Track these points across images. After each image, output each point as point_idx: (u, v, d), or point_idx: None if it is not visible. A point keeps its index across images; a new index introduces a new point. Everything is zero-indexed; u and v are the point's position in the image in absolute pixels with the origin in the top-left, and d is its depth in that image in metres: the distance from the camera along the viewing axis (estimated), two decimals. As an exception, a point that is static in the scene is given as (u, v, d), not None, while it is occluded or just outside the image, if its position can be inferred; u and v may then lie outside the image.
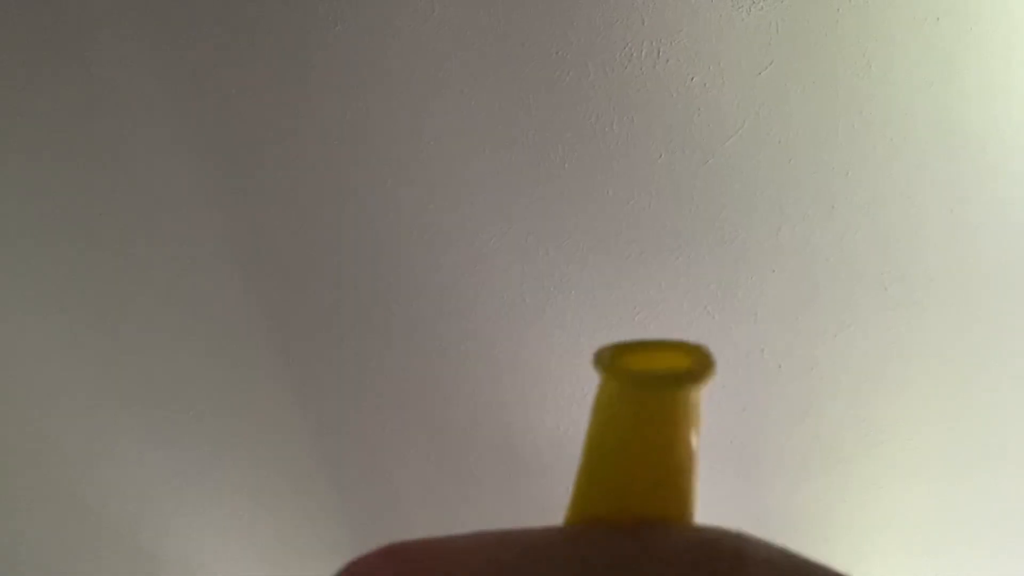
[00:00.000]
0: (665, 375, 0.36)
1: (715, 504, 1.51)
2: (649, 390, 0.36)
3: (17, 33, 0.96)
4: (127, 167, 1.08)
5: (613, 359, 0.38)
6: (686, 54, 0.99)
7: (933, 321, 1.25)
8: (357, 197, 1.12)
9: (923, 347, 1.28)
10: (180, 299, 1.21)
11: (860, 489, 1.49)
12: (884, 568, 1.64)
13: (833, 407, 1.36)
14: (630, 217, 1.14)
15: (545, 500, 1.51)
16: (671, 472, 0.35)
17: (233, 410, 1.35)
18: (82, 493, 1.44)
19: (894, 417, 1.38)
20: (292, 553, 1.59)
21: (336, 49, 0.98)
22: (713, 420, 1.37)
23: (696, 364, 0.36)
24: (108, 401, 1.33)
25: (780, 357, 1.29)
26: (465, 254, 1.18)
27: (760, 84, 1.02)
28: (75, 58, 0.98)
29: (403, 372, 1.31)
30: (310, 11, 0.95)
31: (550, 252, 1.18)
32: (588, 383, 1.32)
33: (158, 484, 1.45)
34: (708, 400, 1.41)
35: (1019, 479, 1.49)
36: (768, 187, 1.11)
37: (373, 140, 1.07)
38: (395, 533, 1.58)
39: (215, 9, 0.95)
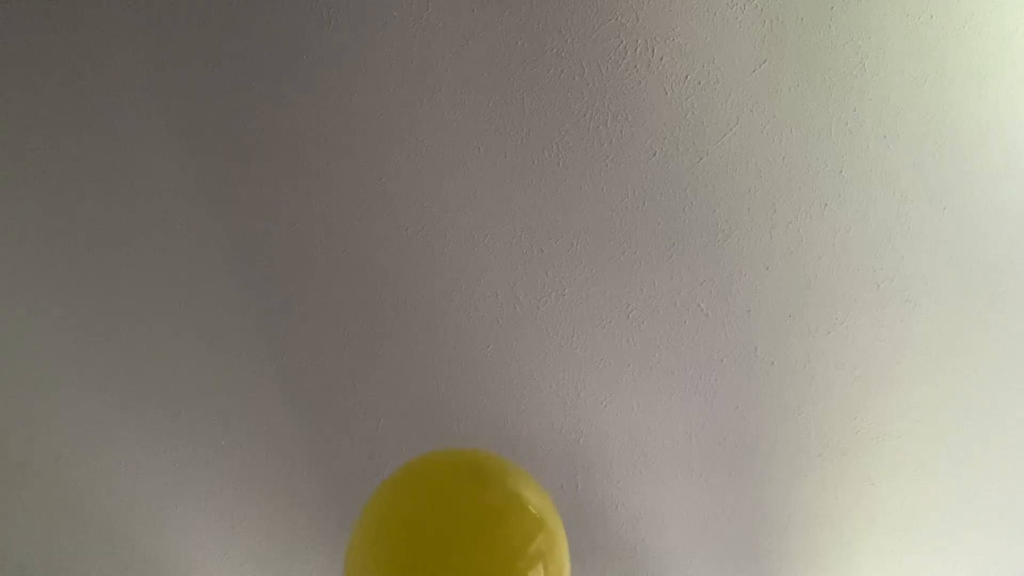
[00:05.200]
0: None
1: (709, 500, 1.51)
2: None
3: (16, 27, 0.95)
4: (121, 167, 1.07)
5: None
6: (680, 52, 1.00)
7: (925, 318, 1.26)
8: (350, 197, 1.12)
9: (915, 344, 1.29)
10: (176, 302, 1.21)
11: (853, 484, 1.50)
12: (877, 562, 1.65)
13: (826, 404, 1.37)
14: (624, 215, 1.14)
15: (540, 497, 1.51)
16: None
17: (229, 412, 1.35)
18: (79, 496, 1.44)
19: (887, 413, 1.39)
20: (287, 554, 1.59)
21: (329, 48, 0.98)
22: (707, 417, 1.38)
23: None
24: (106, 404, 1.33)
25: (773, 354, 1.30)
26: (459, 253, 1.18)
27: (753, 82, 1.02)
28: (72, 56, 0.97)
29: (398, 372, 1.31)
30: (302, 10, 0.95)
31: (544, 250, 1.18)
32: (583, 381, 1.33)
33: (153, 485, 1.44)
34: (702, 397, 1.41)
35: (1011, 474, 1.50)
36: (761, 185, 1.11)
37: (366, 139, 1.07)
38: (390, 530, 1.58)
39: (208, 8, 0.95)
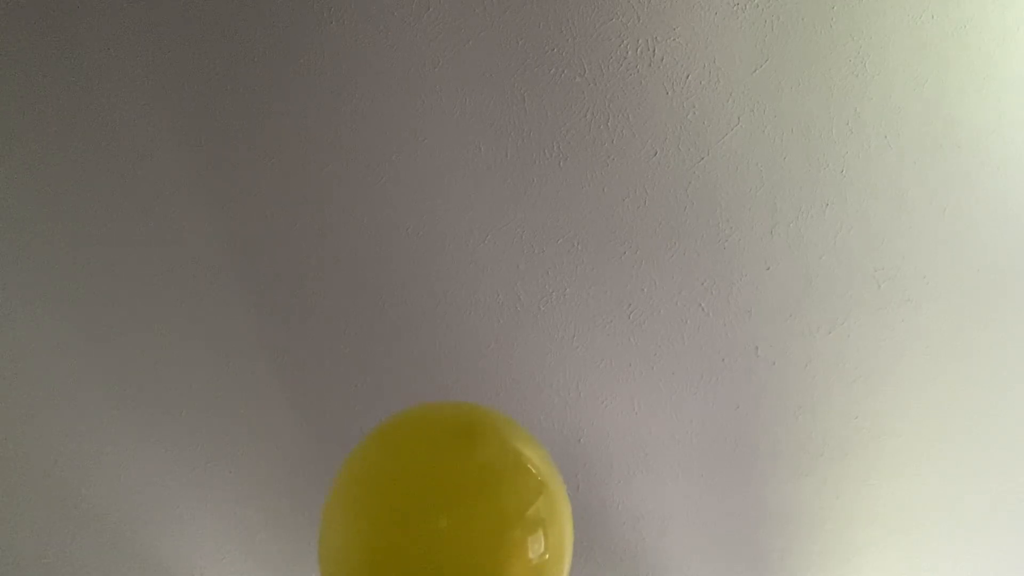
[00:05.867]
0: None
1: (709, 500, 1.51)
2: None
3: (16, 29, 0.95)
4: (121, 167, 1.07)
5: None
6: (681, 52, 0.99)
7: (926, 318, 1.26)
8: (351, 196, 1.12)
9: (916, 344, 1.29)
10: (177, 303, 1.21)
11: (854, 484, 1.50)
12: (877, 562, 1.65)
13: (827, 403, 1.37)
14: (624, 215, 1.14)
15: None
16: None
17: (231, 413, 1.35)
18: (80, 495, 1.44)
19: (887, 413, 1.39)
20: (288, 556, 1.59)
21: (330, 48, 0.98)
22: (708, 417, 1.38)
23: None
24: (106, 404, 1.32)
25: (774, 354, 1.30)
26: (460, 253, 1.18)
27: (754, 82, 1.02)
28: (73, 57, 0.97)
29: (399, 373, 1.31)
30: (303, 10, 0.95)
31: (545, 250, 1.18)
32: (583, 381, 1.32)
33: (156, 486, 1.44)
34: (703, 397, 1.40)
35: (1011, 474, 1.50)
36: (762, 185, 1.11)
37: (367, 139, 1.06)
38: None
39: (208, 9, 0.94)
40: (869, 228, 1.16)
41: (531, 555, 0.73)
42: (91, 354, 1.27)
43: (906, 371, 1.33)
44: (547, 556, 0.74)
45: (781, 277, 1.21)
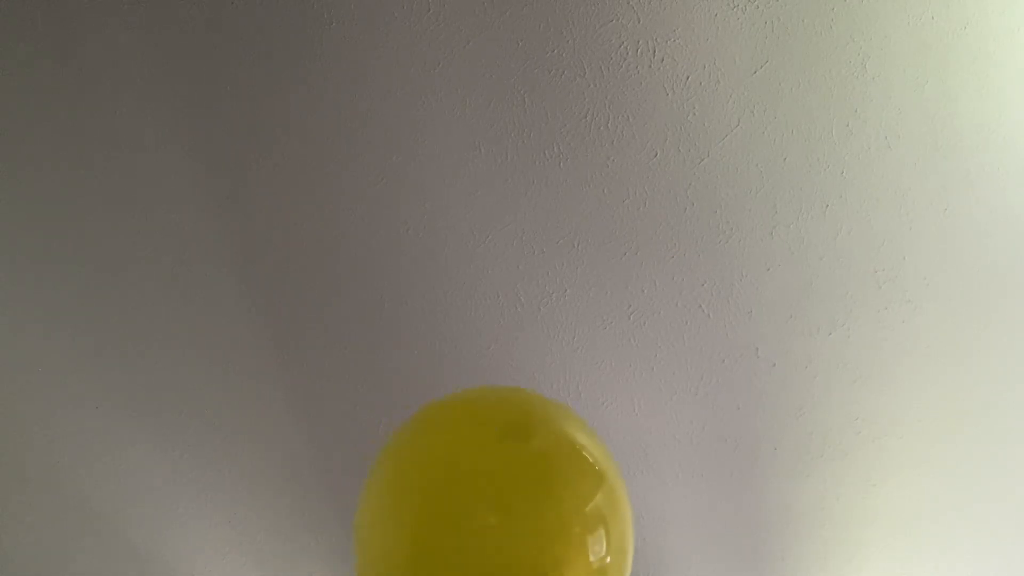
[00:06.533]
0: None
1: (710, 501, 1.51)
2: None
3: (12, 39, 0.95)
4: (119, 171, 1.07)
5: None
6: (681, 53, 0.99)
7: (926, 319, 1.26)
8: (352, 197, 1.12)
9: (917, 345, 1.29)
10: (177, 305, 1.21)
11: (854, 485, 1.50)
12: (878, 562, 1.65)
13: (827, 404, 1.37)
14: (625, 216, 1.14)
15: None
16: None
17: (231, 414, 1.35)
18: (81, 496, 1.44)
19: (888, 414, 1.39)
20: (288, 557, 1.59)
21: (331, 49, 0.98)
22: (708, 418, 1.38)
23: None
24: (107, 407, 1.32)
25: (775, 355, 1.30)
26: (460, 253, 1.18)
27: (755, 83, 1.02)
28: (70, 61, 0.97)
29: (398, 373, 1.31)
30: (304, 10, 0.95)
31: (545, 251, 1.18)
32: (583, 381, 1.32)
33: (154, 486, 1.44)
34: (703, 398, 1.40)
35: (1012, 474, 1.50)
36: (762, 186, 1.11)
37: (367, 139, 1.06)
38: (391, 531, 1.57)
39: (209, 9, 0.94)
40: (869, 228, 1.16)
41: (591, 557, 0.65)
42: (93, 358, 1.27)
43: (907, 372, 1.33)
44: (608, 559, 0.66)
45: (781, 278, 1.21)
